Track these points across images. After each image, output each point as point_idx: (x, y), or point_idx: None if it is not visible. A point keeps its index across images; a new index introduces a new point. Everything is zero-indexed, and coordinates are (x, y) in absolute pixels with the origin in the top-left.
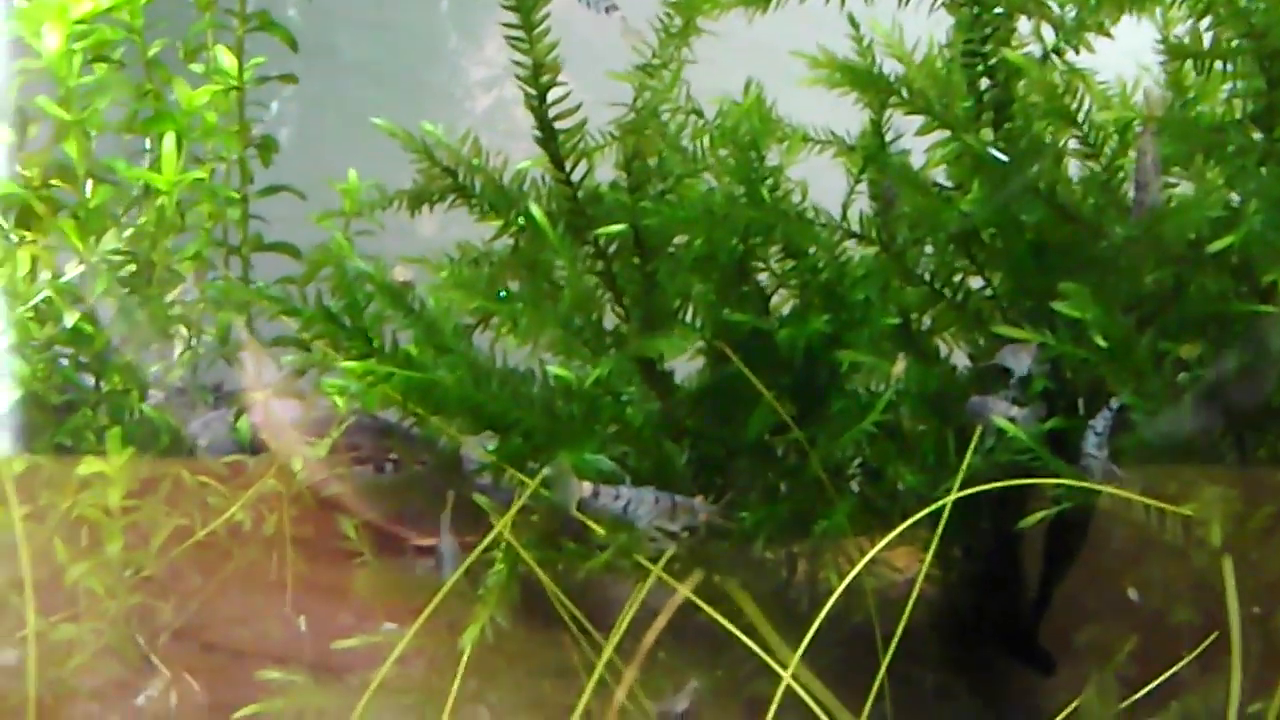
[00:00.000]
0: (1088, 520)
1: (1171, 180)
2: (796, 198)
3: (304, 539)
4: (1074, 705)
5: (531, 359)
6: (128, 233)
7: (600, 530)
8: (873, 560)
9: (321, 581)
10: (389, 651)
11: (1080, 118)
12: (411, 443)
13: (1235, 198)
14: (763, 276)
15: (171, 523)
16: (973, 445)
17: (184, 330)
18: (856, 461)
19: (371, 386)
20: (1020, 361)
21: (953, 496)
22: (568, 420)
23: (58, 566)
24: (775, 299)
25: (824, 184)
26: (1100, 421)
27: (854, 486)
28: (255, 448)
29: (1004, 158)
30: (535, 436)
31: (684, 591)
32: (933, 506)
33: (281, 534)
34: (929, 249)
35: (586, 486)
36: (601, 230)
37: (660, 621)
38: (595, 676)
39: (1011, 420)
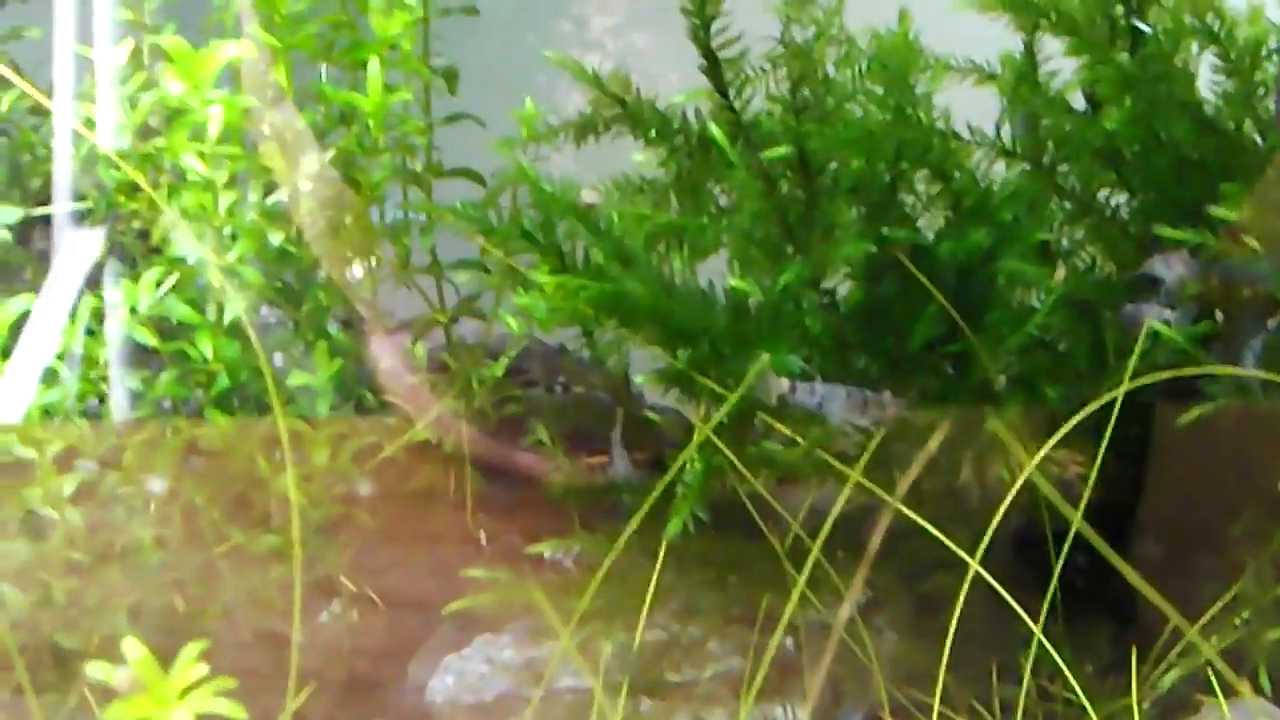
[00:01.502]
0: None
1: None
2: (942, 125)
3: (480, 457)
4: (1232, 593)
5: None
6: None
7: (787, 432)
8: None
9: (500, 500)
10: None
11: (1219, 34)
12: (581, 367)
13: None
14: (911, 200)
15: (360, 439)
16: (1138, 348)
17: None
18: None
19: (565, 300)
20: (1171, 269)
21: (1122, 389)
22: (755, 326)
23: (259, 477)
24: (922, 223)
25: (967, 111)
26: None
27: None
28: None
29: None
30: (722, 344)
31: (893, 503)
32: (1103, 399)
33: (460, 453)
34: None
35: (785, 383)
36: (767, 153)
37: (876, 539)
38: (804, 578)
39: (1166, 324)
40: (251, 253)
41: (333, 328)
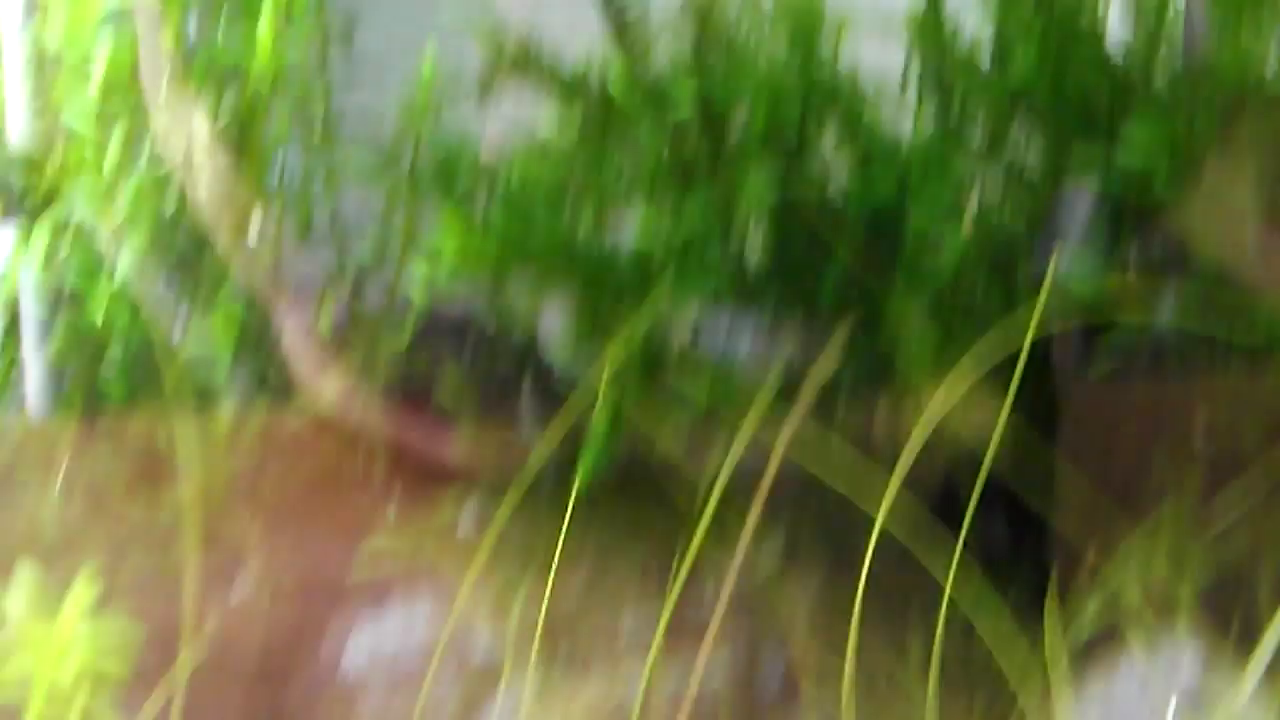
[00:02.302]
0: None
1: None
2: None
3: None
4: (1150, 536)
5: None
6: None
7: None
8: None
9: (407, 474)
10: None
11: None
12: (488, 334)
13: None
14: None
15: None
16: (1043, 293)
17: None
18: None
19: (466, 252)
20: (1077, 213)
21: (1027, 341)
22: (659, 272)
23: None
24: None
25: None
26: None
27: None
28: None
29: None
30: (625, 295)
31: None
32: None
33: (365, 427)
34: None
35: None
36: (674, 113)
37: (772, 467)
38: (703, 528)
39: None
40: (142, 213)
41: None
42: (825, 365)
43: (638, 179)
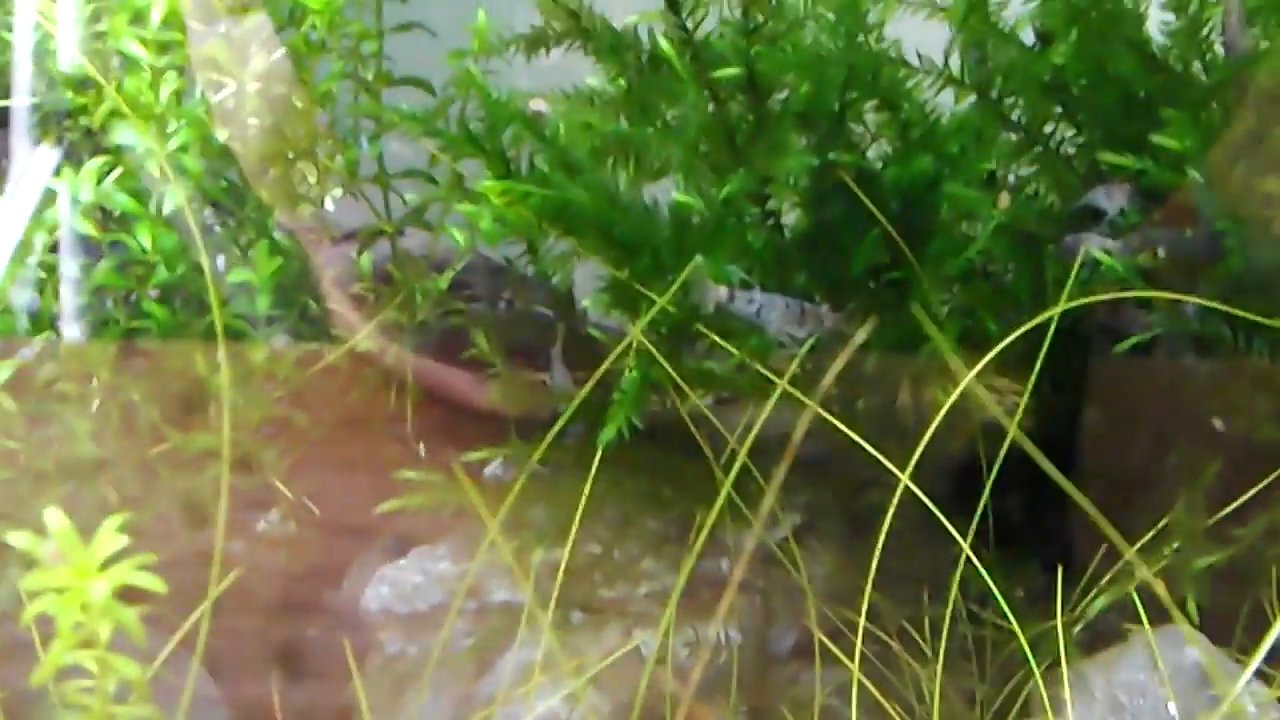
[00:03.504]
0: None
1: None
2: (892, 54)
3: (420, 372)
4: (1163, 522)
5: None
6: (276, 54)
7: (724, 345)
8: (970, 390)
9: (439, 415)
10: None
11: None
12: (524, 282)
13: None
14: (860, 130)
15: (301, 347)
16: (1074, 272)
17: (314, 165)
18: (952, 303)
19: (509, 206)
20: (1113, 200)
21: (1059, 307)
22: (697, 237)
23: (196, 377)
24: (871, 153)
25: (917, 42)
26: None
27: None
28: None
29: None
30: (664, 255)
31: (814, 406)
32: (1041, 317)
33: (401, 368)
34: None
35: (723, 290)
36: (718, 72)
37: (798, 435)
38: (724, 494)
39: (1106, 253)
40: (194, 144)
41: (277, 235)
42: (857, 335)
43: (680, 139)
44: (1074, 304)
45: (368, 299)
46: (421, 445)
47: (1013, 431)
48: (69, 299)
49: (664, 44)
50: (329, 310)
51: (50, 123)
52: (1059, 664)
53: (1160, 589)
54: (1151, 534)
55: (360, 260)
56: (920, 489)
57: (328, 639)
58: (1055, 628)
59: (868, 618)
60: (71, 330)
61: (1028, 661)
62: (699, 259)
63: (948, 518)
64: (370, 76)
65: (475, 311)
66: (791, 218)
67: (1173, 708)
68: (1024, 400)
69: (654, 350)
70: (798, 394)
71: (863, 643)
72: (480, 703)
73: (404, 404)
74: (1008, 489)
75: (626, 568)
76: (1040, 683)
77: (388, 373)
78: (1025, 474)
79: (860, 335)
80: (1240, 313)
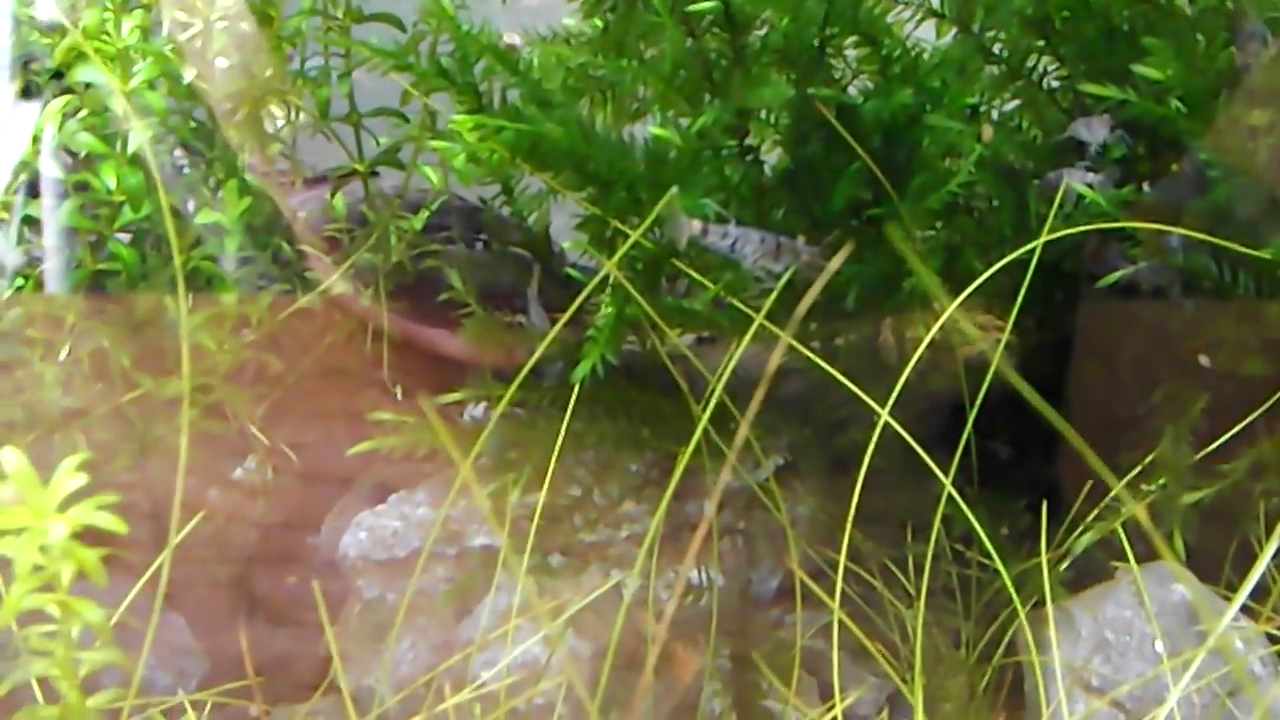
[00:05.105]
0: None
1: None
2: None
3: (400, 310)
4: (1150, 458)
5: (626, 123)
6: None
7: (701, 280)
8: (953, 326)
9: (416, 358)
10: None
11: None
12: (501, 223)
13: None
14: (838, 66)
15: (274, 289)
16: (1055, 206)
17: (284, 104)
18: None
19: (481, 141)
20: (1094, 132)
21: (1040, 240)
22: (672, 171)
23: (167, 321)
24: (852, 90)
25: None
26: None
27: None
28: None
29: None
30: (639, 189)
31: (786, 337)
32: (1019, 252)
33: (378, 304)
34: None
35: (696, 224)
36: (694, 7)
37: (771, 367)
38: (698, 432)
39: (1089, 186)
40: (157, 78)
41: (249, 177)
42: (830, 265)
43: (655, 74)
44: (1052, 236)
45: (341, 241)
46: (398, 389)
47: (995, 366)
48: (50, 242)
49: None
50: (302, 253)
51: (17, 67)
52: (1044, 602)
53: (1144, 519)
54: (1137, 470)
55: (334, 201)
56: (903, 427)
57: (306, 586)
58: (1040, 565)
59: (851, 558)
60: (46, 275)
61: (1012, 601)
62: (673, 192)
63: (931, 456)
64: (340, 13)
65: (451, 253)
66: (774, 156)
67: (1159, 645)
68: (1004, 336)
69: (629, 287)
70: (774, 329)
71: (846, 583)
72: (459, 647)
73: (379, 349)
74: (992, 427)
75: (606, 510)
76: (1025, 622)
77: (363, 316)
78: (1009, 412)
79: (834, 264)
80: (1225, 243)
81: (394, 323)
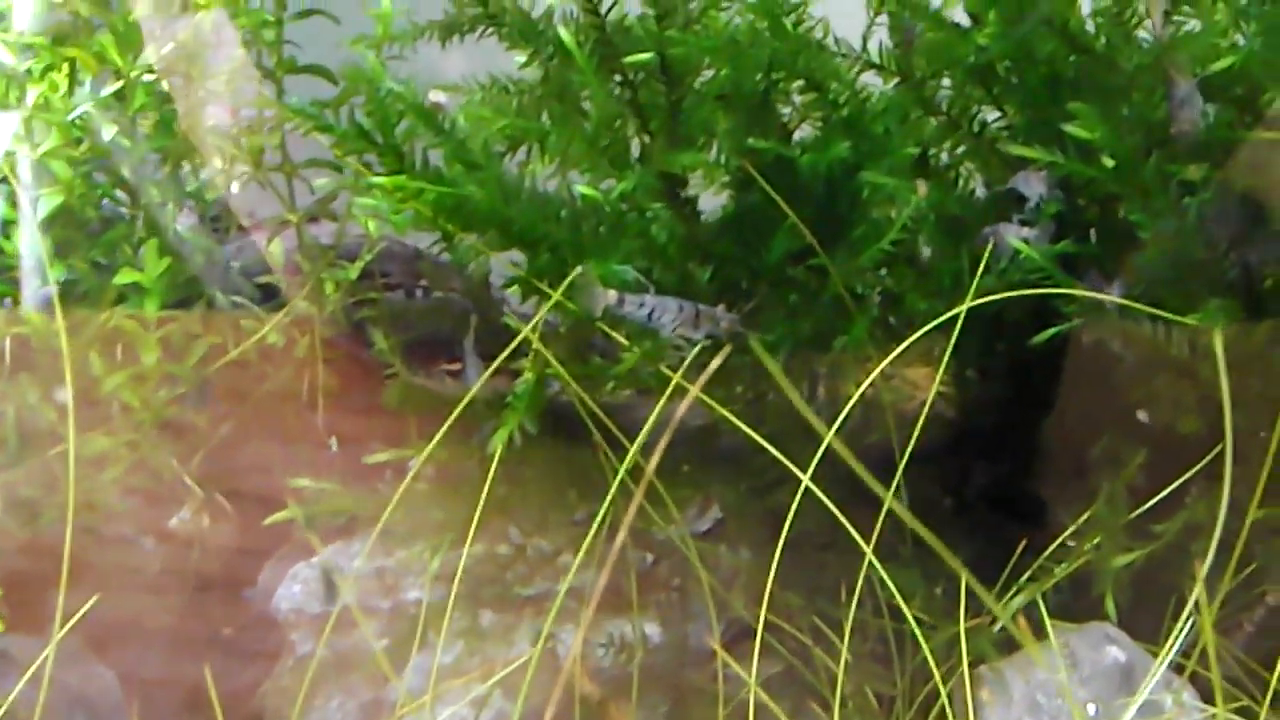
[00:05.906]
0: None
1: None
2: (819, 34)
3: (335, 360)
4: (1086, 516)
5: (557, 181)
6: (166, 48)
7: (625, 343)
8: (889, 377)
9: (354, 402)
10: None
11: None
12: (440, 269)
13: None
14: (785, 111)
15: (206, 341)
16: (982, 263)
17: (219, 152)
18: (876, 288)
19: (402, 202)
20: (1032, 187)
21: (965, 305)
22: (594, 234)
23: (92, 379)
24: (796, 135)
25: (843, 25)
26: None
27: (873, 311)
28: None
29: None
30: (562, 251)
31: (695, 391)
32: (945, 316)
33: (314, 355)
34: (946, 82)
35: (612, 294)
36: (629, 59)
37: (675, 419)
38: (616, 483)
39: (1025, 241)
40: (64, 145)
41: (180, 227)
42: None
43: (581, 136)
44: (980, 301)
45: (278, 289)
46: (334, 440)
47: (923, 421)
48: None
49: (563, 33)
50: (236, 302)
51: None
52: (978, 664)
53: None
54: (1071, 530)
55: (271, 248)
56: (838, 484)
57: (242, 639)
58: (970, 628)
59: (783, 616)
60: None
61: (944, 661)
62: (584, 266)
63: (866, 513)
64: (272, 64)
65: (389, 301)
66: (714, 203)
67: (1093, 708)
68: (933, 391)
69: (546, 353)
70: (691, 388)
71: (779, 640)
72: (388, 707)
73: (315, 397)
74: (928, 477)
75: (545, 566)
76: (943, 692)
77: (299, 364)
78: (951, 464)
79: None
80: (1149, 310)
81: (329, 361)
